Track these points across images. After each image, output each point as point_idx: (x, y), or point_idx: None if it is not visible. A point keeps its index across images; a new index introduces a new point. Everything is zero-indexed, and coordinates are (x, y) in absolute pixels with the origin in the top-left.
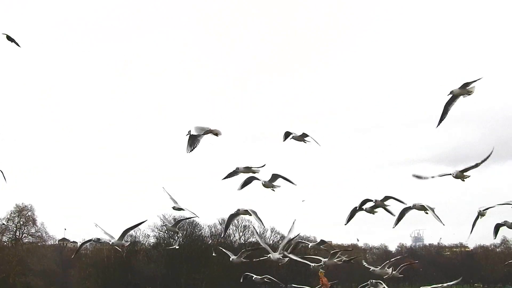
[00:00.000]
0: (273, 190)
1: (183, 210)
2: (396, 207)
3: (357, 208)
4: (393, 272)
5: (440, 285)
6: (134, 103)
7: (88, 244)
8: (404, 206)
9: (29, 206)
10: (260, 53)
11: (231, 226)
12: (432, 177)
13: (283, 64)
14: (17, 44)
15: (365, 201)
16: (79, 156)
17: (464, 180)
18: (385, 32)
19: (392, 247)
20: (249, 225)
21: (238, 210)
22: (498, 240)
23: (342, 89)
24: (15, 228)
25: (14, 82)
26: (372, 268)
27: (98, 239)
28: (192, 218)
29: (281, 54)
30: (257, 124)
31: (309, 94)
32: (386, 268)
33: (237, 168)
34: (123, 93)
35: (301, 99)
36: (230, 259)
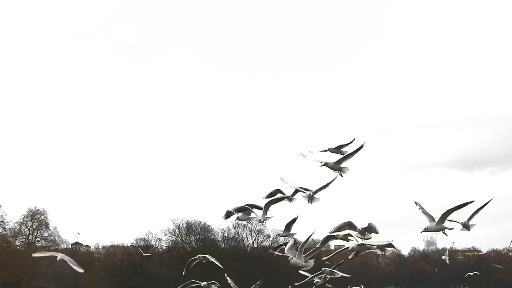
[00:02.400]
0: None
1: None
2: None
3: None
4: None
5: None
6: (145, 108)
7: (101, 248)
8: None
9: (41, 210)
10: (271, 56)
11: (244, 230)
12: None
13: (298, 67)
14: None
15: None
16: (91, 161)
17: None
18: (401, 36)
19: (405, 251)
20: (263, 229)
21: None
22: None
23: (357, 93)
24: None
25: (28, 87)
26: None
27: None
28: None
29: (296, 56)
30: (272, 127)
31: (325, 97)
32: None
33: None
34: (132, 99)
35: (316, 102)
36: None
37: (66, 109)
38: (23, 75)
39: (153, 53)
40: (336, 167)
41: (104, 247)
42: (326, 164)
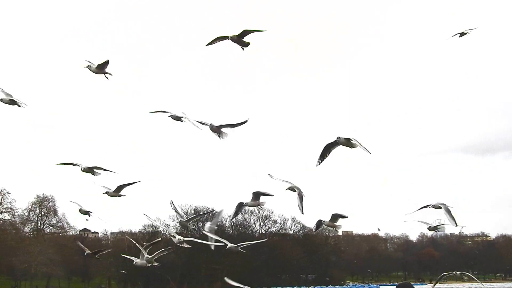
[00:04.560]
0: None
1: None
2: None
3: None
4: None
5: None
6: (148, 100)
7: (109, 234)
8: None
9: (50, 197)
10: (271, 56)
11: (251, 216)
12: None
13: (298, 67)
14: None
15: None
16: (99, 147)
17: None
18: (401, 35)
19: (413, 237)
20: (270, 215)
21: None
22: None
23: (357, 93)
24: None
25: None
26: None
27: None
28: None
29: (296, 56)
30: (272, 127)
31: (324, 97)
32: None
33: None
34: (137, 90)
35: (316, 102)
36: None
37: (67, 106)
38: (24, 74)
39: (153, 53)
40: (217, 130)
41: (112, 233)
42: (211, 126)
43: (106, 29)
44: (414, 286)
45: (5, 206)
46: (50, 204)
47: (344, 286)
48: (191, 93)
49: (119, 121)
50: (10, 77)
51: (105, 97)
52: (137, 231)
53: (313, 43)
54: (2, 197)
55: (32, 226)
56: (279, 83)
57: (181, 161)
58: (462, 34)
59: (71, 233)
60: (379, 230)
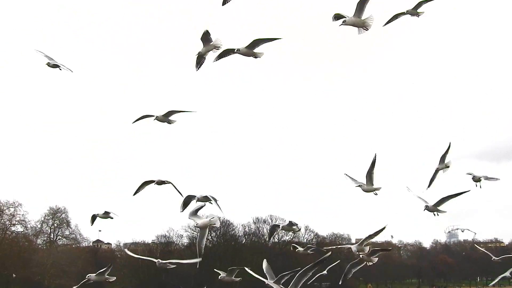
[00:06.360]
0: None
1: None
2: None
3: None
4: None
5: None
6: (148, 99)
7: (122, 245)
8: None
9: (63, 208)
10: (273, 54)
11: (263, 225)
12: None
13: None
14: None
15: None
16: (112, 159)
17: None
18: (431, 29)
19: (427, 244)
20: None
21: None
22: None
23: (386, 86)
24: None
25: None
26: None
27: None
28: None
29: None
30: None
31: (357, 92)
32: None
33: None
34: (137, 90)
35: (349, 95)
36: None
37: (68, 107)
38: (24, 75)
39: (153, 53)
40: (249, 52)
41: (125, 244)
42: (238, 50)
43: (106, 29)
44: None
45: (18, 218)
46: (63, 215)
47: None
48: (191, 93)
49: (119, 121)
50: (13, 80)
51: (105, 97)
52: (150, 241)
53: (320, 41)
54: (14, 210)
55: (45, 238)
56: (281, 82)
57: (182, 162)
58: None
59: (84, 244)
60: (392, 237)
